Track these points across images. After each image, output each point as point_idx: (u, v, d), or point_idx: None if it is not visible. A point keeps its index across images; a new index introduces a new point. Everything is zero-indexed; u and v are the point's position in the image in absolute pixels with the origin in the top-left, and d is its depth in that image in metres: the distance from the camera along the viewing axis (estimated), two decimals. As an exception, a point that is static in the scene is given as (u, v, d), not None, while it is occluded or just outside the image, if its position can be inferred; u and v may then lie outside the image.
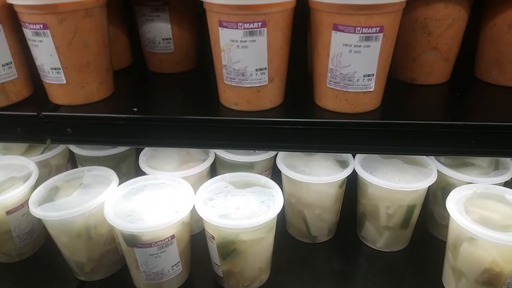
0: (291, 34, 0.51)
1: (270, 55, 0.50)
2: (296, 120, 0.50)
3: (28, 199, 0.60)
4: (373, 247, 0.71)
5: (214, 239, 0.58)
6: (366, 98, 0.51)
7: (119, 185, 0.63)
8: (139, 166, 0.68)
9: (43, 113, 0.51)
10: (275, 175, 0.73)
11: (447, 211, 0.57)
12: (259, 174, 0.67)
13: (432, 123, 0.49)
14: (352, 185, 0.70)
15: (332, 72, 0.50)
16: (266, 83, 0.51)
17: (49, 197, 0.62)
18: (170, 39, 0.64)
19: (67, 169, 0.76)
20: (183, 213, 0.57)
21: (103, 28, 0.54)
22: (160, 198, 0.62)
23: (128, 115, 0.51)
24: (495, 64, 0.59)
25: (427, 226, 0.75)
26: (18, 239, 0.65)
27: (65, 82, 0.52)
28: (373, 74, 0.50)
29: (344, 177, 0.66)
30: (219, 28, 0.49)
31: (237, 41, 0.48)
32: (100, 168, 0.67)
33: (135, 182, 0.64)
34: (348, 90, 0.50)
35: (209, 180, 0.64)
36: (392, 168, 0.66)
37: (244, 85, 0.51)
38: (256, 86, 0.51)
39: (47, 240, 0.70)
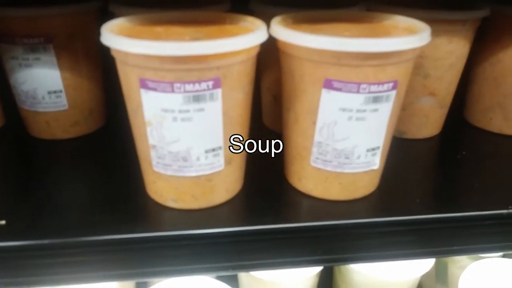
0: (253, 90, 0.34)
1: (227, 128, 0.32)
2: (280, 226, 0.32)
3: None
4: None
5: None
6: (367, 179, 0.36)
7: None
8: None
9: None
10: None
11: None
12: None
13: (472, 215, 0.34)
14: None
15: (320, 146, 0.33)
16: (222, 168, 0.33)
17: None
18: (61, 91, 0.43)
19: None
20: None
21: None
22: None
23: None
24: (497, 109, 0.47)
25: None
26: None
27: None
28: (379, 147, 0.34)
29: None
30: (142, 90, 0.29)
31: (173, 111, 0.29)
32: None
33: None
34: (344, 171, 0.34)
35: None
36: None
37: (187, 174, 0.32)
38: (206, 174, 0.33)
39: None
